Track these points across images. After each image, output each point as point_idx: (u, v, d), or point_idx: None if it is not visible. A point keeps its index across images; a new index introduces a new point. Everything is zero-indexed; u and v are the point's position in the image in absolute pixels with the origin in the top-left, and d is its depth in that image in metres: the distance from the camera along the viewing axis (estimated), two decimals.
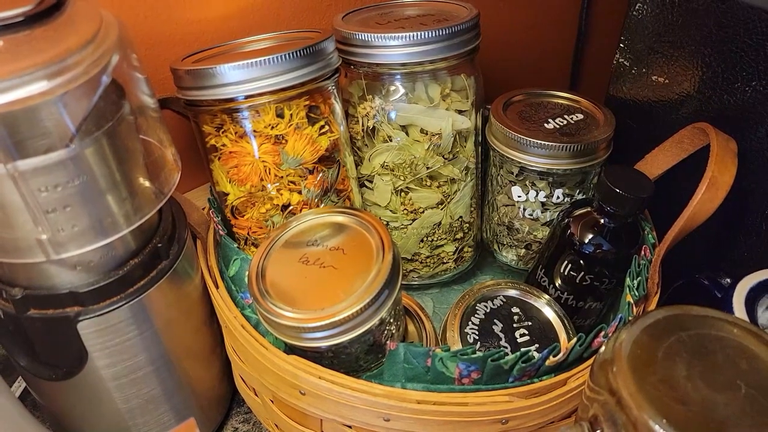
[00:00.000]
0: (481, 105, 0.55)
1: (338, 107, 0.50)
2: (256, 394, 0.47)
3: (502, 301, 0.49)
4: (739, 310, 0.41)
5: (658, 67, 0.54)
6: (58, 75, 0.29)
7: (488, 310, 0.48)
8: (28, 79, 0.29)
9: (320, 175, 0.48)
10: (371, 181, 0.55)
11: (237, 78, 0.42)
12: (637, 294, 0.43)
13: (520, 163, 0.52)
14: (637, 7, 0.55)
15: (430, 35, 0.47)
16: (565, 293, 0.50)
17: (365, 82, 0.51)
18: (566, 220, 0.49)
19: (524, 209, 0.55)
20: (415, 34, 0.46)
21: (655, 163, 0.50)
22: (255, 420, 0.53)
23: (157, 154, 0.39)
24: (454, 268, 0.60)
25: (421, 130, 0.51)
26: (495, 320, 0.47)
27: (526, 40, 0.78)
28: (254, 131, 0.45)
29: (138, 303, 0.39)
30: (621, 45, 0.57)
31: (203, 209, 0.52)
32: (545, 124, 0.53)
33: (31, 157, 0.31)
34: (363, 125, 0.52)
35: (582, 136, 0.51)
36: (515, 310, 0.48)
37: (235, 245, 0.46)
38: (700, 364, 0.30)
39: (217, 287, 0.46)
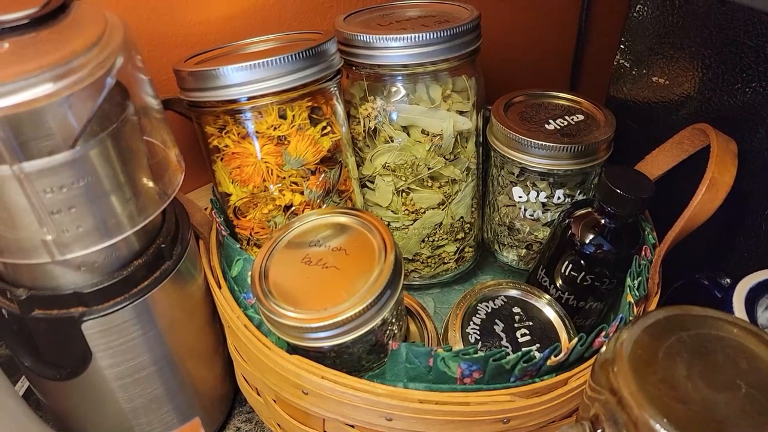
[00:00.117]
0: (482, 106, 0.55)
1: (340, 108, 0.50)
2: (258, 394, 0.47)
3: (503, 301, 0.49)
4: (739, 310, 0.41)
5: (659, 68, 0.54)
6: (63, 77, 0.30)
7: (489, 310, 0.48)
8: (34, 82, 0.29)
9: (322, 175, 0.48)
10: (373, 182, 0.55)
11: (240, 79, 0.43)
12: (637, 294, 0.43)
13: (520, 163, 0.53)
14: (637, 9, 0.55)
15: (431, 37, 0.47)
16: (566, 293, 0.50)
17: (367, 83, 0.51)
18: (567, 221, 0.49)
19: (525, 210, 0.56)
20: (416, 35, 0.47)
21: (656, 164, 0.50)
22: (257, 419, 0.53)
23: (160, 155, 0.40)
24: (455, 268, 0.61)
25: (423, 131, 0.52)
26: (496, 320, 0.47)
27: (526, 41, 0.78)
28: (257, 132, 0.46)
29: (142, 303, 0.39)
30: (621, 46, 0.58)
31: (206, 209, 0.53)
32: (546, 125, 0.54)
33: (37, 159, 0.31)
34: (365, 126, 0.53)
35: (582, 137, 0.51)
36: (516, 310, 0.48)
37: (238, 246, 0.47)
38: (700, 364, 0.30)
39: (219, 287, 0.46)
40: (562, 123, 0.54)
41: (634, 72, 0.58)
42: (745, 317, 0.40)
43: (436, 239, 0.57)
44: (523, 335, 0.46)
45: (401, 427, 0.38)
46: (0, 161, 0.30)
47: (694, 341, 0.32)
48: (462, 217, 0.57)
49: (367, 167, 0.54)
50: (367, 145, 0.54)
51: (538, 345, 0.45)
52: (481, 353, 0.37)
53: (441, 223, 0.56)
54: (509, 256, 0.61)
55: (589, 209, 0.49)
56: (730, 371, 0.30)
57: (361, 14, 0.55)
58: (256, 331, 0.42)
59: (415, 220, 0.56)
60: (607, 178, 0.45)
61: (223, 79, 0.43)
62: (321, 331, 0.37)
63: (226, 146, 0.47)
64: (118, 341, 0.39)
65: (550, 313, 0.48)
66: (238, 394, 0.55)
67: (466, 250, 0.60)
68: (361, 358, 0.42)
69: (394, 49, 0.48)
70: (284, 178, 0.47)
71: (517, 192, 0.55)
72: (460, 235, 0.58)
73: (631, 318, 0.41)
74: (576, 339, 0.39)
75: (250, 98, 0.44)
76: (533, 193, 0.54)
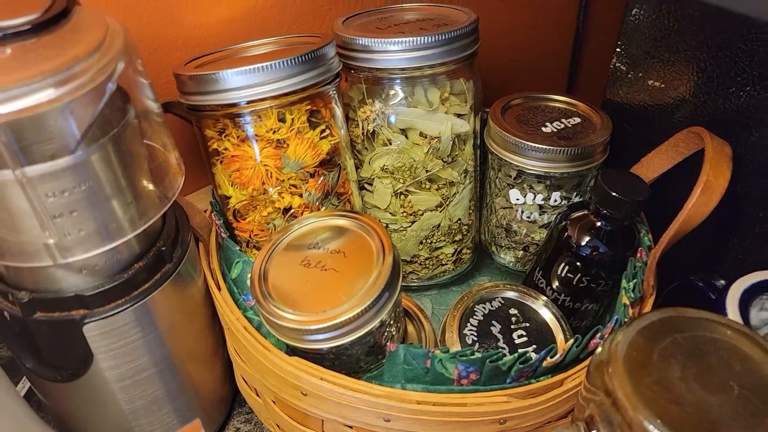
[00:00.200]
0: (479, 108, 0.56)
1: (339, 111, 0.50)
2: (257, 395, 0.47)
3: (500, 302, 0.49)
4: (733, 311, 0.41)
5: (655, 72, 0.55)
6: (65, 83, 0.30)
7: (486, 312, 0.48)
8: (36, 87, 0.29)
9: (321, 178, 0.49)
10: (371, 184, 0.55)
11: (239, 83, 0.43)
12: (632, 296, 0.43)
13: (518, 166, 0.53)
14: (633, 13, 0.55)
15: (429, 41, 0.47)
16: (562, 295, 0.51)
17: (365, 86, 0.52)
18: (563, 223, 0.50)
19: (522, 212, 0.56)
20: (414, 39, 0.47)
21: (651, 167, 0.51)
22: (256, 420, 0.53)
23: (161, 159, 0.40)
24: (453, 269, 0.61)
25: (421, 134, 0.52)
26: (493, 321, 0.48)
27: (524, 43, 0.79)
28: (256, 135, 0.46)
29: (142, 306, 0.39)
30: (618, 49, 0.58)
31: (205, 211, 0.53)
32: (543, 128, 0.54)
33: (39, 163, 0.31)
34: (363, 129, 0.53)
35: (579, 140, 0.52)
36: (513, 311, 0.49)
37: (237, 248, 0.47)
38: (694, 366, 0.31)
39: (219, 289, 0.46)
40: (559, 126, 0.54)
41: (630, 75, 0.58)
42: (739, 318, 0.41)
43: (434, 241, 0.58)
44: (520, 336, 0.47)
45: (399, 428, 0.39)
46: (3, 166, 0.31)
47: (689, 343, 0.32)
48: (460, 219, 0.57)
49: (365, 170, 0.55)
50: (366, 148, 0.54)
51: (534, 346, 0.46)
52: (477, 355, 0.38)
53: (439, 225, 0.56)
54: (506, 258, 0.61)
55: (586, 211, 0.49)
56: (723, 373, 0.30)
57: (360, 17, 0.56)
58: (256, 333, 0.42)
59: (413, 222, 0.56)
60: (603, 181, 0.45)
61: (222, 83, 0.43)
62: (320, 333, 0.37)
63: (226, 149, 0.47)
64: (119, 343, 0.39)
65: (547, 314, 0.49)
66: (237, 395, 0.55)
67: (464, 251, 0.61)
68: (359, 360, 0.42)
69: (392, 52, 0.48)
70: (283, 180, 0.47)
71: (514, 194, 0.55)
72: (458, 237, 0.59)
73: (626, 319, 0.42)
74: (571, 340, 0.40)
75: (249, 102, 0.44)
76: (530, 196, 0.55)
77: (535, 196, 0.54)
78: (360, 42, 0.48)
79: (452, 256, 0.60)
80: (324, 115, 0.49)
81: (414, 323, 0.52)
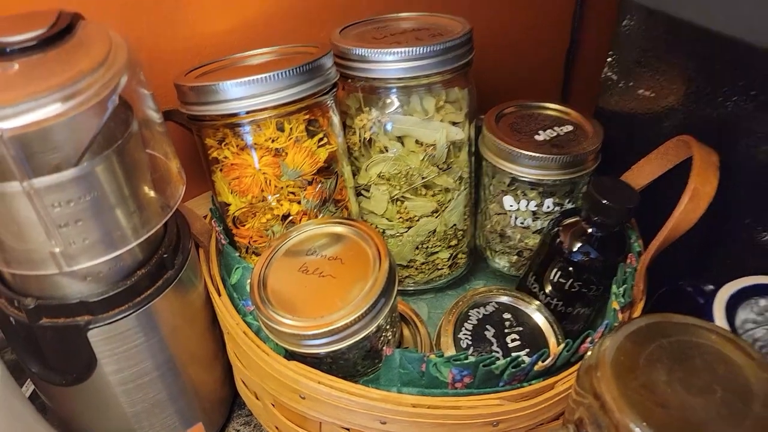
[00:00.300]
0: (474, 116, 0.57)
1: (336, 120, 0.51)
2: (257, 398, 0.48)
3: (494, 307, 0.50)
4: (720, 316, 0.42)
5: (645, 81, 0.56)
6: (71, 97, 0.31)
7: (481, 316, 0.49)
8: (44, 102, 0.30)
9: (319, 185, 0.50)
10: (368, 191, 0.56)
11: (239, 94, 0.44)
12: (622, 301, 0.44)
13: (511, 173, 0.54)
14: (624, 23, 0.56)
15: (425, 51, 0.48)
16: (555, 299, 0.52)
17: (362, 95, 0.53)
18: (556, 229, 0.51)
19: (516, 218, 0.57)
20: (410, 49, 0.48)
21: (641, 174, 0.52)
22: (256, 422, 0.54)
23: (162, 168, 0.41)
24: (449, 274, 0.62)
25: (417, 141, 0.53)
26: (487, 326, 0.49)
27: (519, 52, 0.80)
28: (255, 144, 0.47)
29: (145, 312, 0.40)
30: (609, 59, 0.59)
31: (205, 217, 0.54)
32: (536, 136, 0.55)
33: (45, 175, 0.32)
34: (360, 136, 0.54)
35: (571, 148, 0.53)
36: (507, 316, 0.50)
37: (237, 254, 0.48)
38: (679, 370, 0.32)
39: (219, 295, 0.47)
40: (552, 134, 0.55)
41: (621, 85, 0.59)
42: (725, 323, 0.42)
43: (430, 246, 0.59)
44: (513, 340, 0.47)
45: (395, 431, 0.40)
46: (11, 178, 0.31)
47: (675, 348, 0.33)
48: (455, 225, 0.58)
49: (362, 176, 0.56)
50: (363, 155, 0.55)
51: (527, 350, 0.47)
52: (471, 359, 0.39)
53: (435, 230, 0.57)
54: (501, 263, 0.62)
55: (577, 218, 0.50)
56: (707, 376, 0.31)
57: (357, 27, 0.57)
58: (255, 338, 0.43)
59: (409, 228, 0.57)
60: (594, 188, 0.46)
61: (222, 93, 0.44)
62: (317, 338, 0.38)
63: (226, 158, 0.48)
64: (122, 348, 0.40)
65: (539, 318, 0.50)
66: (237, 397, 0.56)
67: (459, 256, 0.62)
68: (356, 364, 0.43)
69: (388, 62, 0.49)
70: (282, 188, 0.48)
71: (508, 201, 0.56)
72: (453, 242, 0.60)
73: (616, 324, 0.43)
74: (563, 345, 0.40)
75: (249, 112, 0.45)
76: (523, 202, 0.56)
77: (528, 203, 0.55)
78: (357, 52, 0.49)
79: (448, 260, 0.60)
80: (322, 124, 0.50)
81: (410, 327, 0.53)
